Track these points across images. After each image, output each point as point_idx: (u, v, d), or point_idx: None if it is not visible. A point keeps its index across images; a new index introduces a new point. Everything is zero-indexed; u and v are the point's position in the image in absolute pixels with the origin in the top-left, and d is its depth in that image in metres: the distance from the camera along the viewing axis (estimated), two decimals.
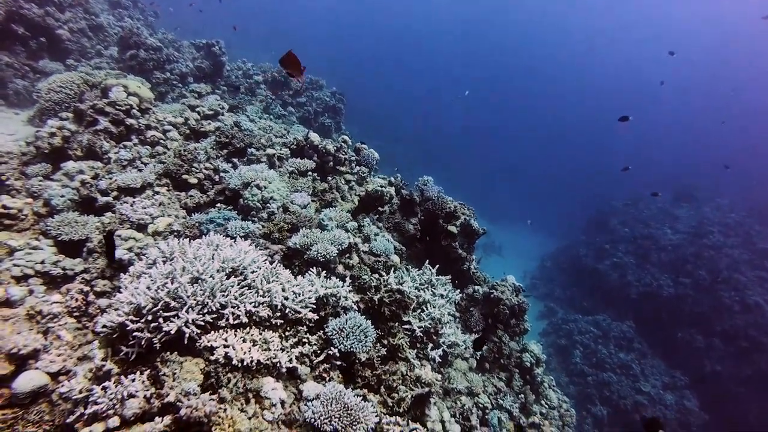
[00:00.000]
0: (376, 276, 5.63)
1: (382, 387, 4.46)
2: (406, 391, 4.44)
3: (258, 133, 7.62)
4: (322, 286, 4.39)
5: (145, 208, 5.23)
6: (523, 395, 7.03)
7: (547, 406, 7.38)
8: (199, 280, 3.64)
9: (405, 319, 5.28)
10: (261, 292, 3.87)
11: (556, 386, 8.02)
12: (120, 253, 4.57)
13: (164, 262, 3.96)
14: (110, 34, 12.67)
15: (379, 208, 6.96)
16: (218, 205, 5.74)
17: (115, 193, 5.55)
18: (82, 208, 5.50)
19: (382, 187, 6.52)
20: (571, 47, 73.30)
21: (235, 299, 3.71)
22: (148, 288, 3.57)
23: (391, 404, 4.32)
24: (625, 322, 20.18)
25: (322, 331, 4.26)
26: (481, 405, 5.97)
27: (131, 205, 5.28)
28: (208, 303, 3.56)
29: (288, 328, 4.05)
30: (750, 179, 34.75)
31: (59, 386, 3.49)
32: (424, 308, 5.49)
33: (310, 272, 4.69)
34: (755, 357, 16.91)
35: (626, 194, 31.48)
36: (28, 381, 3.55)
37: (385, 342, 4.91)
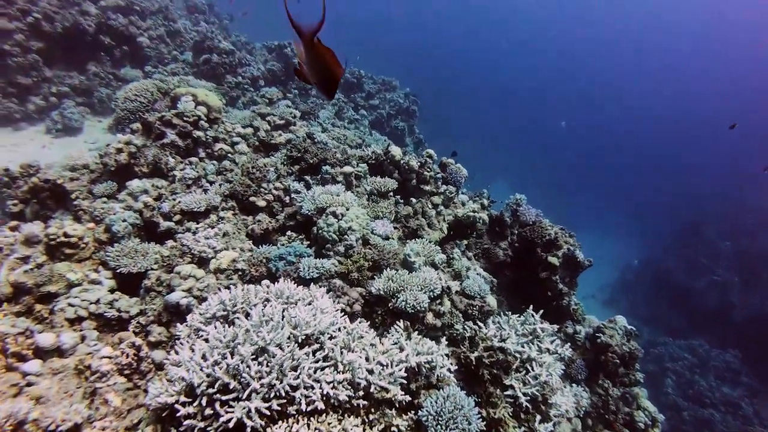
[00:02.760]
0: (470, 325, 4.68)
1: None
2: None
3: (332, 144, 6.87)
4: (413, 351, 3.49)
5: (208, 238, 4.60)
6: None
7: None
8: (266, 353, 2.88)
9: (506, 382, 4.27)
10: (341, 367, 3.04)
11: None
12: (178, 295, 3.95)
13: (224, 321, 3.25)
14: (186, 39, 12.63)
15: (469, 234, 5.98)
16: (288, 233, 5.02)
17: (178, 217, 5.00)
18: (145, 233, 5.01)
19: (474, 212, 5.51)
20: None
21: (309, 377, 2.91)
22: (204, 359, 2.85)
23: None
24: (728, 350, 17.55)
25: (413, 411, 3.38)
26: None
27: (193, 234, 4.69)
28: (275, 384, 2.78)
29: (372, 410, 3.20)
30: None
31: None
32: (529, 368, 4.44)
33: (396, 327, 3.82)
34: None
35: (723, 197, 27.84)
36: None
37: (484, 413, 3.93)
